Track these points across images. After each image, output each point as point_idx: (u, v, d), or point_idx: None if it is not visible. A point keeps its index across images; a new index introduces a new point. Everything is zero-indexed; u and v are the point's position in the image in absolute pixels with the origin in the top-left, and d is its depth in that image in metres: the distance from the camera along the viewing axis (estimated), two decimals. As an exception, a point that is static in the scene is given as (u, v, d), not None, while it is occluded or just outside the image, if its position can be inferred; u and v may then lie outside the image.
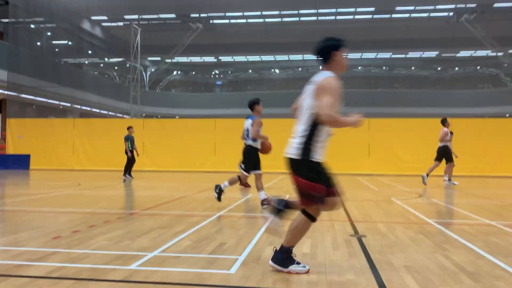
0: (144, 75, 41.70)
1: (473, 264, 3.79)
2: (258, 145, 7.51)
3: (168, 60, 37.35)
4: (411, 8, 30.17)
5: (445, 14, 30.91)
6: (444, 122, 12.73)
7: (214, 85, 47.98)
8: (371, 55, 41.37)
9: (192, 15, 31.96)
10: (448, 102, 36.14)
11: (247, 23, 33.63)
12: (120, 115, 34.42)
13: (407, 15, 31.45)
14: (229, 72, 46.76)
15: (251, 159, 7.49)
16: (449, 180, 12.68)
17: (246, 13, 31.67)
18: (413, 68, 43.20)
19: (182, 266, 3.63)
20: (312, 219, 3.53)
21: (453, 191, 11.29)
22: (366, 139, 19.24)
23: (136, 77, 30.59)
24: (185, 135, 20.15)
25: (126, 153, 14.79)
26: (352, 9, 30.80)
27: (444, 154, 12.47)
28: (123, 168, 14.92)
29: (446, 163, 12.62)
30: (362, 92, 39.10)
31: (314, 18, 32.08)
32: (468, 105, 35.95)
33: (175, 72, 46.17)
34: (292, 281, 3.26)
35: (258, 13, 31.59)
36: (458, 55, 40.11)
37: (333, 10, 30.91)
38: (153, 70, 42.65)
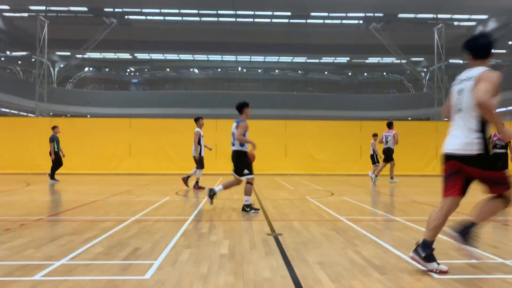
0: (52, 71, 39.04)
1: (380, 257, 4.04)
2: (246, 148, 7.15)
3: (79, 56, 35.38)
4: (325, 14, 31.59)
5: (356, 22, 32.80)
6: (390, 125, 13.52)
7: (130, 83, 46.34)
8: (287, 59, 42.67)
9: (106, 9, 30.54)
10: (358, 105, 38.45)
11: (165, 20, 32.92)
12: (25, 113, 31.87)
13: (321, 21, 32.88)
14: (146, 70, 45.43)
15: (241, 164, 7.11)
16: (376, 175, 13.44)
17: (163, 10, 30.97)
18: (326, 72, 45.30)
19: (93, 274, 3.43)
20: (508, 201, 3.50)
21: (360, 189, 12.00)
22: (283, 140, 19.79)
23: (43, 73, 28.53)
24: (98, 136, 19.17)
25: (50, 155, 13.71)
26: (270, 13, 31.48)
27: (390, 155, 13.32)
28: (48, 171, 13.96)
29: (386, 163, 13.41)
30: (279, 94, 40.20)
31: (232, 19, 32.31)
32: (375, 109, 38.55)
33: (86, 69, 43.82)
34: (208, 283, 3.22)
35: (176, 10, 31.06)
36: (367, 61, 42.82)
37: (251, 12, 31.36)
38: (62, 65, 40.07)
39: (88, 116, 34.28)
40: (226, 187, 7.25)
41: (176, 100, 38.65)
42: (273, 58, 42.63)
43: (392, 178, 13.67)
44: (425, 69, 41.71)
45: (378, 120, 26.38)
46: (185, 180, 11.60)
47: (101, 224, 5.82)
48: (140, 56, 41.87)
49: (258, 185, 13.31)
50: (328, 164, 19.94)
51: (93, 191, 10.85)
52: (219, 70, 44.49)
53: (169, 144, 19.62)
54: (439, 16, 30.72)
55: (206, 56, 41.67)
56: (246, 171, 7.05)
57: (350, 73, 45.56)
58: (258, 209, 7.16)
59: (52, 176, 13.78)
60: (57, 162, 13.80)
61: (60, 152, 13.89)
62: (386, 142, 13.44)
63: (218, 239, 4.88)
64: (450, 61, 36.18)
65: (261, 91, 41.50)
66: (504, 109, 30.75)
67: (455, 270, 3.60)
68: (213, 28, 33.67)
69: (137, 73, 46.06)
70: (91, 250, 4.27)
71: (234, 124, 7.18)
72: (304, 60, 43.13)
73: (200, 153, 11.53)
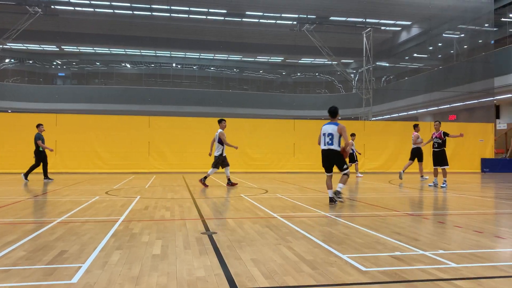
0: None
1: (311, 253, 4.16)
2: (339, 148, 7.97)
3: (-2, 46, 32.86)
4: (260, 14, 31.91)
5: (289, 22, 33.49)
6: (416, 127, 14.12)
7: (56, 77, 43.82)
8: (223, 56, 42.60)
9: (30, -2, 28.58)
10: (291, 104, 39.33)
11: (95, 12, 31.47)
12: None
13: (256, 20, 33.17)
14: (74, 63, 43.19)
15: (342, 160, 8.01)
16: (422, 176, 14.16)
17: (93, 2, 29.59)
18: (261, 71, 45.84)
19: (13, 281, 3.21)
20: None
21: (294, 186, 12.28)
22: (218, 137, 19.76)
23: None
24: (20, 132, 17.94)
25: (39, 153, 13.28)
26: (205, 9, 31.21)
27: (417, 154, 13.87)
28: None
29: (419, 162, 14.00)
30: (214, 92, 40.07)
31: (166, 14, 31.63)
32: (307, 108, 39.69)
33: (7, 60, 40.79)
34: (140, 284, 3.13)
35: (107, 3, 29.82)
36: (300, 61, 43.90)
37: (186, 8, 30.91)
38: (-21, 56, 36.95)
39: (9, 111, 31.98)
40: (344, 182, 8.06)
41: (107, 96, 37.18)
42: (209, 56, 42.37)
43: (421, 176, 14.23)
44: (354, 71, 43.58)
45: (311, 119, 27.17)
46: (203, 181, 11.73)
47: (23, 227, 5.46)
48: (67, 48, 39.72)
49: (192, 183, 13.20)
50: (263, 162, 20.22)
51: (15, 192, 10.15)
52: (153, 65, 43.38)
53: (98, 142, 18.84)
54: (368, 20, 32.21)
55: (138, 50, 40.45)
56: (345, 166, 8.02)
57: (284, 73, 46.45)
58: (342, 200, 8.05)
59: (26, 175, 13.39)
60: (40, 161, 13.42)
61: (46, 149, 13.52)
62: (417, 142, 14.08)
63: (150, 239, 4.76)
64: (377, 63, 38.12)
65: (196, 88, 41.09)
66: (424, 110, 32.93)
67: (380, 262, 3.79)
68: (147, 23, 32.74)
69: (64, 67, 43.65)
70: (12, 255, 3.99)
71: (332, 126, 7.93)
72: (239, 58, 43.30)
73: (222, 153, 11.85)
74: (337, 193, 7.96)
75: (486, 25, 28.79)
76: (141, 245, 4.45)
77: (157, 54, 41.19)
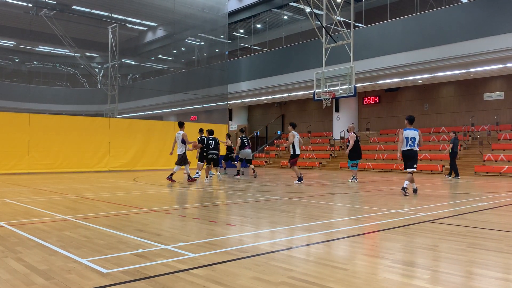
0: None
1: (45, 261, 3.74)
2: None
3: None
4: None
5: (24, 4, 29.69)
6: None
7: None
8: None
9: None
10: (26, 96, 34.91)
11: None
12: None
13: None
14: None
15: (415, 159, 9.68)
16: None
17: None
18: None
19: None
20: None
21: (27, 189, 10.94)
22: None
23: None
24: None
25: None
26: None
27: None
28: None
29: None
30: None
31: None
32: (46, 101, 36.12)
33: None
34: None
35: None
36: (37, 49, 39.40)
37: None
38: None
39: None
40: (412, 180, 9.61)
41: None
42: None
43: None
44: (99, 66, 42.00)
45: (50, 114, 24.71)
46: (170, 177, 12.62)
47: None
48: None
49: None
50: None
51: None
52: None
53: None
54: (114, 15, 31.54)
55: None
56: (415, 165, 9.66)
57: (17, 60, 40.85)
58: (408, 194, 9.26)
59: None
60: None
61: None
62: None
63: None
64: (123, 60, 37.84)
65: None
66: (169, 110, 34.56)
67: (123, 262, 3.72)
68: None
69: None
70: None
71: (414, 131, 9.45)
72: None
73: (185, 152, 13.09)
74: (403, 188, 9.42)
75: (221, 36, 32.26)
76: None
77: None
